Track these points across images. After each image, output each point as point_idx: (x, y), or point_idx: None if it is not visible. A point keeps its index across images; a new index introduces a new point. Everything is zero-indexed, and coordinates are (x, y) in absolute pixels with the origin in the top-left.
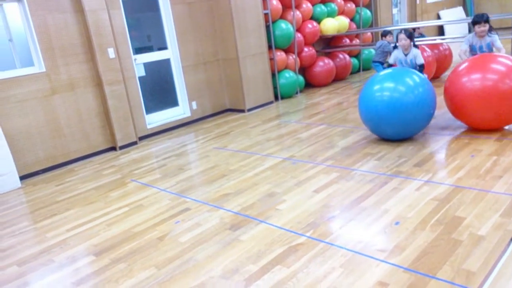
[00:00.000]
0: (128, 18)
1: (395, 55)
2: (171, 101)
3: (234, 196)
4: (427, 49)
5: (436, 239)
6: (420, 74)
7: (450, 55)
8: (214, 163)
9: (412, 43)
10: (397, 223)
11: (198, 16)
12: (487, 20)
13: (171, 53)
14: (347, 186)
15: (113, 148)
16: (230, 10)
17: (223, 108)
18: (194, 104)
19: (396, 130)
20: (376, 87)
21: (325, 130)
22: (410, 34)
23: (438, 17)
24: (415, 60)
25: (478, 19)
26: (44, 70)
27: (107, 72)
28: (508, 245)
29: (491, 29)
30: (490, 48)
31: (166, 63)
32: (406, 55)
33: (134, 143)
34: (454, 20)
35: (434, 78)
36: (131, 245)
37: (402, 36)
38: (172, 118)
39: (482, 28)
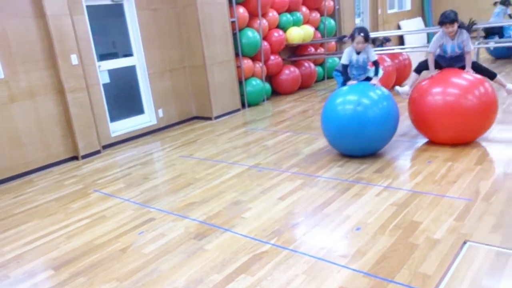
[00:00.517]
0: (92, 23)
1: (348, 54)
2: (136, 108)
3: (200, 205)
4: (387, 59)
5: (395, 244)
6: (384, 90)
7: (410, 64)
8: (180, 172)
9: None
10: (358, 229)
11: (165, 23)
12: (454, 20)
13: (137, 60)
14: (311, 193)
15: (75, 158)
16: (197, 17)
17: (190, 116)
18: (160, 111)
19: (360, 146)
20: (339, 100)
21: (291, 137)
22: (367, 36)
23: (399, 27)
24: (367, 58)
25: (444, 20)
26: (2, 77)
27: (70, 79)
28: (461, 248)
29: (466, 29)
30: (461, 48)
31: (131, 70)
32: (358, 53)
33: (97, 152)
34: (414, 30)
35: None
36: (92, 258)
37: (360, 39)
38: (138, 126)
39: (450, 29)
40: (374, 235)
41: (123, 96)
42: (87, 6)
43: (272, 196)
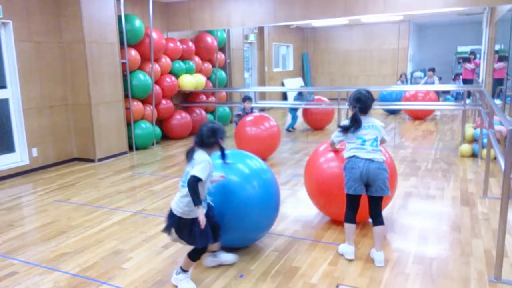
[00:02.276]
0: None
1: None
2: (5, 146)
3: (74, 255)
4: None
5: None
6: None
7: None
8: (53, 218)
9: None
10: (241, 276)
11: (48, 57)
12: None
13: (11, 93)
14: None
15: None
16: (84, 55)
17: (70, 157)
18: (34, 151)
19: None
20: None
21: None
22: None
23: (282, 84)
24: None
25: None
26: None
27: None
28: None
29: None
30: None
31: (3, 103)
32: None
33: None
34: (295, 88)
35: (319, 129)
36: None
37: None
38: (6, 166)
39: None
40: (256, 281)
41: None
42: None
43: (156, 244)
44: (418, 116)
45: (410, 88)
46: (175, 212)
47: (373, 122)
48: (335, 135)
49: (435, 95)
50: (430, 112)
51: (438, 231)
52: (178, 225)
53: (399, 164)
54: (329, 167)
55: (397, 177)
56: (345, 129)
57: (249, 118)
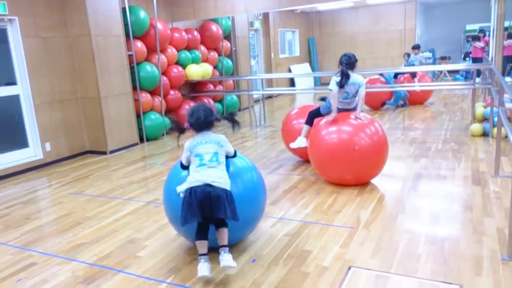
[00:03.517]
0: None
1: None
2: (19, 141)
3: (90, 245)
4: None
5: (288, 273)
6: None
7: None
8: (68, 210)
9: None
10: (253, 261)
11: (55, 52)
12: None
13: (21, 89)
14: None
15: None
16: (91, 48)
17: (82, 150)
18: (47, 145)
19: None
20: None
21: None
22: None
23: (289, 70)
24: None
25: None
26: None
27: None
28: (346, 274)
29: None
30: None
31: (14, 99)
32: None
33: None
34: (302, 74)
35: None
36: None
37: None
38: (20, 161)
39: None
40: (268, 266)
41: (3, 128)
42: None
43: (169, 233)
44: (415, 101)
45: (412, 69)
46: (223, 186)
47: (357, 77)
48: (332, 85)
49: (429, 78)
50: (427, 95)
51: (450, 211)
52: (227, 199)
53: (409, 146)
54: (330, 138)
55: (388, 148)
56: (340, 81)
57: (294, 111)
